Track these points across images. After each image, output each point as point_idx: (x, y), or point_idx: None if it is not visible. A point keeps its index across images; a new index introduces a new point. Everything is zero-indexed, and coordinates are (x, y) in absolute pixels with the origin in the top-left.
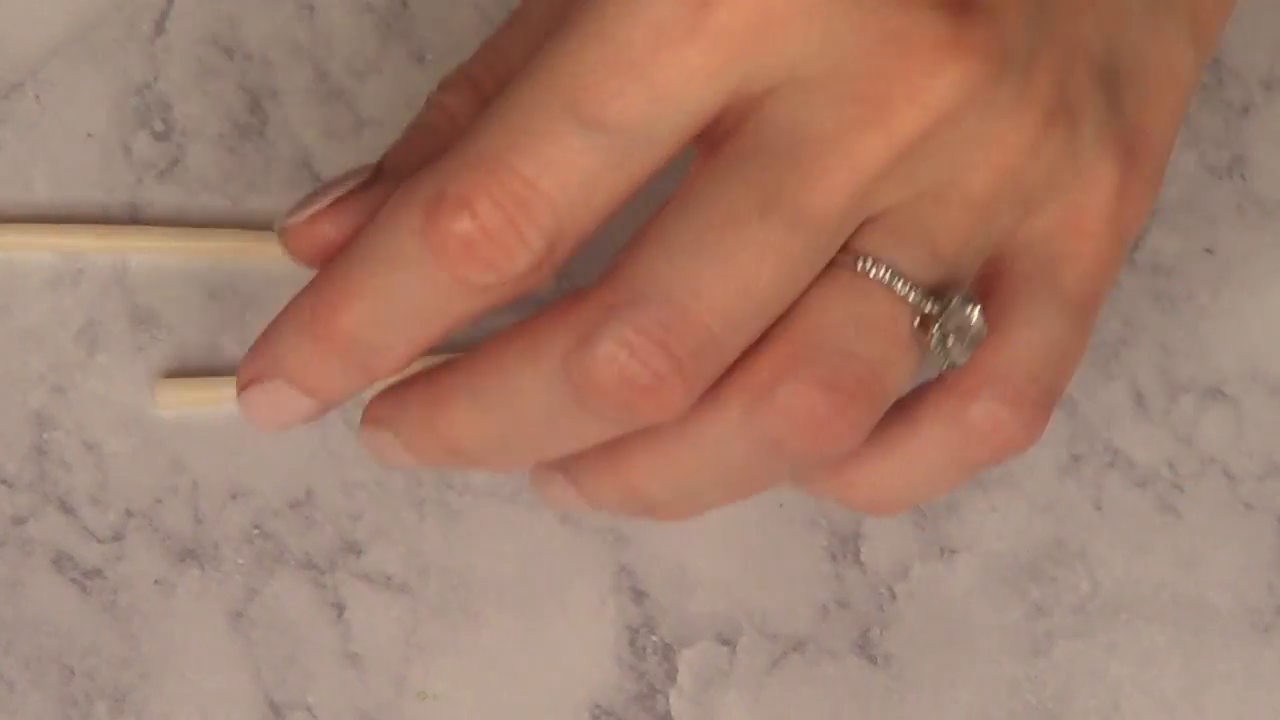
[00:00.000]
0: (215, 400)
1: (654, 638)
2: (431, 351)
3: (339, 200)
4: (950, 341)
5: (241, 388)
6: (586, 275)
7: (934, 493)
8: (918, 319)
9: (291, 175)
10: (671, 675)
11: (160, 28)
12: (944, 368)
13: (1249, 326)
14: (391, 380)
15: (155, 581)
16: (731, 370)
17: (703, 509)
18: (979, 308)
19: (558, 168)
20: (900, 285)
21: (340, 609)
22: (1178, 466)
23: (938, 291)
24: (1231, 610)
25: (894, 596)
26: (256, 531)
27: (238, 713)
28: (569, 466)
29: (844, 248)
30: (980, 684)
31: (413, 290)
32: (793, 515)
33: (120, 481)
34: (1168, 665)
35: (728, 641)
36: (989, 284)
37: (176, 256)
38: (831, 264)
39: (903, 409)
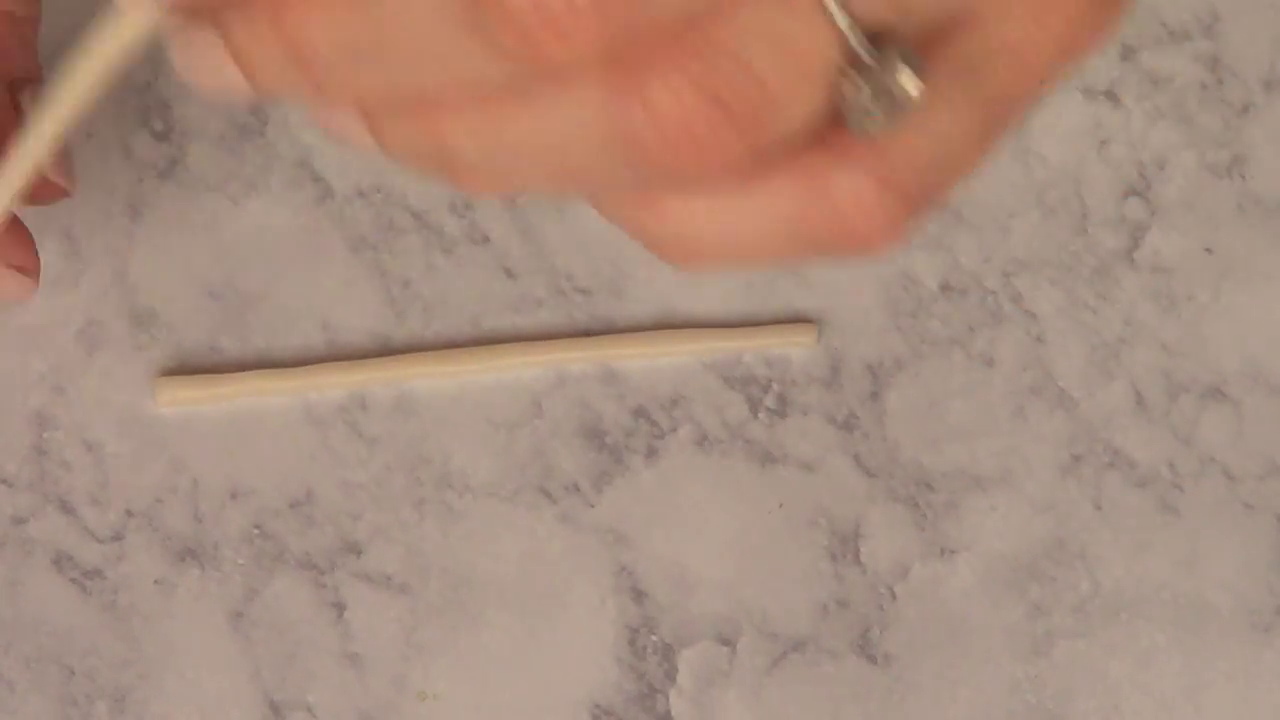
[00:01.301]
0: (215, 398)
1: (654, 638)
2: None
3: None
4: (871, 102)
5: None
6: (585, 276)
7: (752, 256)
8: (842, 60)
9: (291, 175)
10: (671, 675)
11: None
12: (855, 132)
13: (1249, 326)
14: None
15: (155, 581)
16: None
17: (509, 188)
18: (915, 75)
19: None
20: (839, 16)
21: (340, 609)
22: (1178, 466)
23: (878, 38)
24: (1231, 610)
25: (894, 596)
26: (256, 531)
27: (238, 712)
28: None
29: None
30: (980, 683)
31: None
32: (792, 515)
33: (120, 481)
34: (1168, 665)
35: (728, 641)
36: (923, 49)
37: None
38: None
39: None
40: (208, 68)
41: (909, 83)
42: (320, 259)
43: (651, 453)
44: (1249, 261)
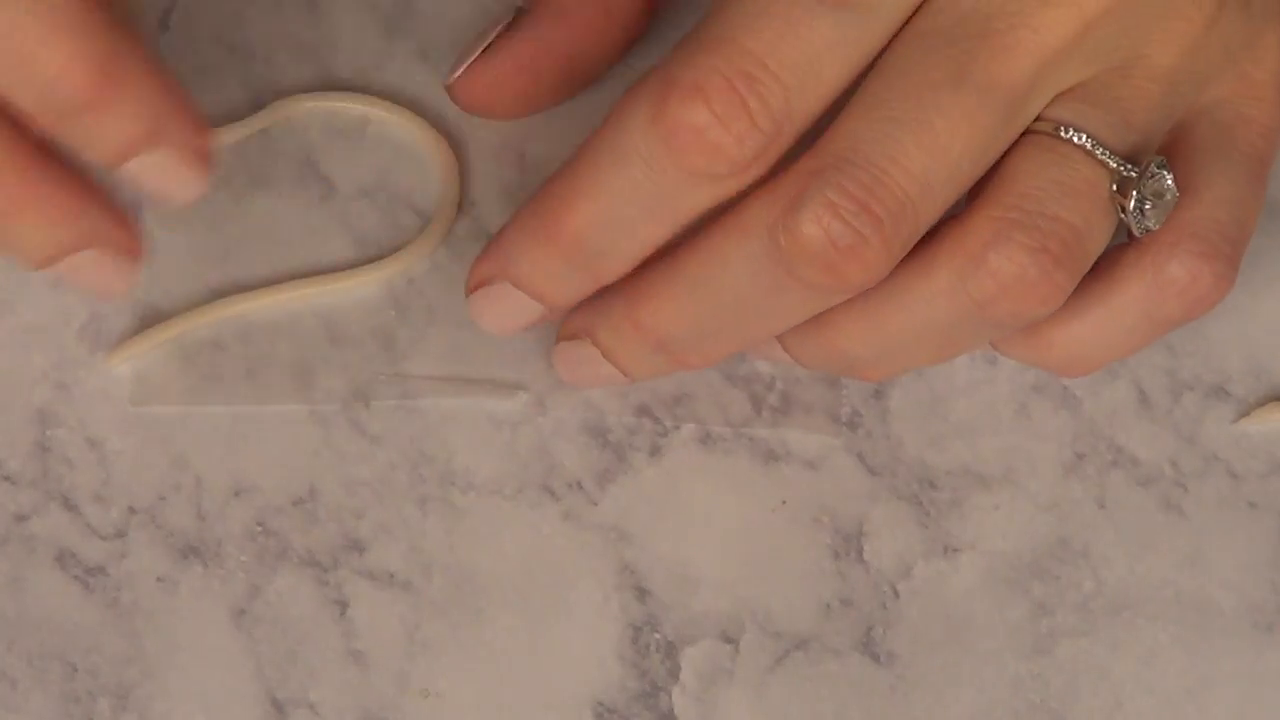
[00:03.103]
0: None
1: (657, 636)
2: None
3: (487, 48)
4: (1147, 206)
5: (470, 290)
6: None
7: (1125, 351)
8: (1115, 184)
9: (295, 173)
10: (674, 673)
11: (164, 25)
12: (1139, 233)
13: (1253, 325)
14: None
15: (158, 579)
16: (941, 237)
17: (902, 370)
18: (1171, 175)
19: (787, 44)
20: (1100, 151)
21: (343, 606)
22: (1181, 465)
23: (1133, 158)
24: (1235, 609)
25: (897, 595)
26: (259, 529)
27: (240, 710)
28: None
29: (1040, 118)
30: (983, 682)
31: (642, 186)
32: (796, 513)
33: (123, 479)
34: (1171, 664)
35: (731, 639)
36: (1170, 150)
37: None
38: (1030, 132)
39: (1099, 270)
40: (588, 371)
41: (1168, 182)
42: (323, 256)
43: (655, 451)
44: (1253, 261)
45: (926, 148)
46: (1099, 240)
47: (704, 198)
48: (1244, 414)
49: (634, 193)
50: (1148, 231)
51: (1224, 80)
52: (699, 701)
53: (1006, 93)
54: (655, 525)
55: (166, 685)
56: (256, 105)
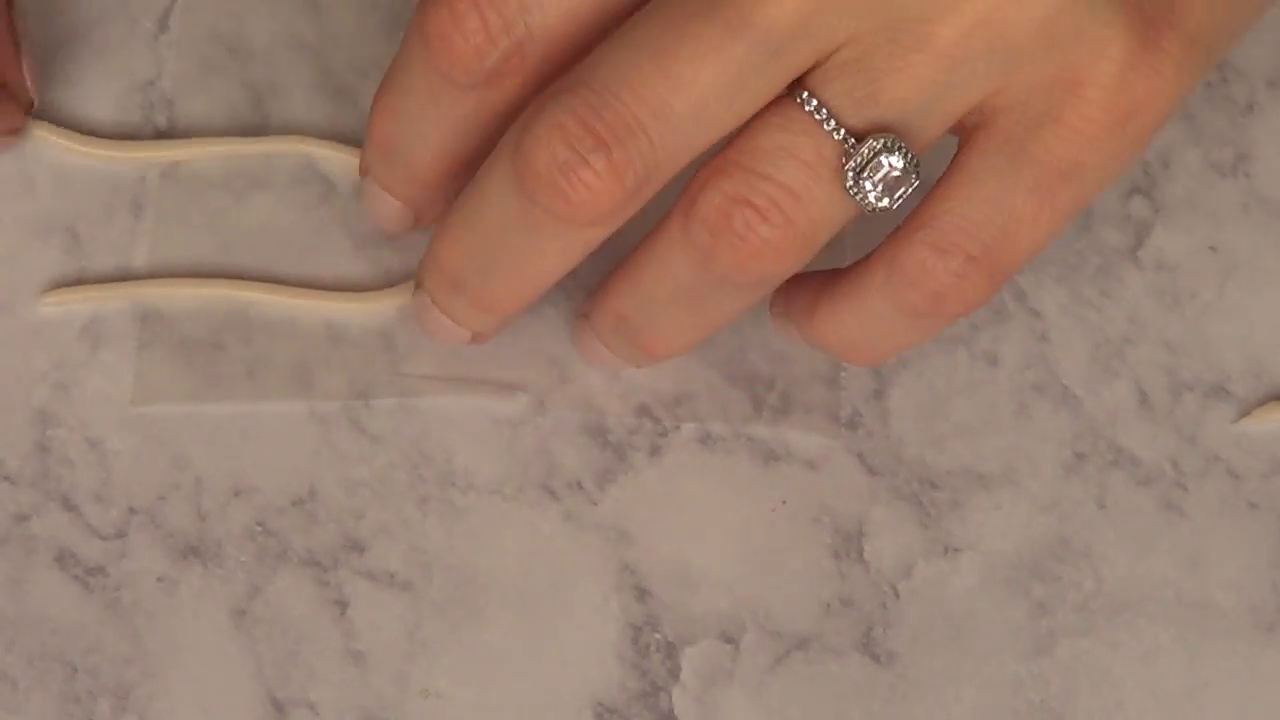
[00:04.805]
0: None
1: (657, 636)
2: None
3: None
4: (866, 184)
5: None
6: (589, 274)
7: (894, 343)
8: (843, 158)
9: (295, 173)
10: (674, 673)
11: (164, 25)
12: (868, 212)
13: (1253, 324)
14: None
15: (158, 579)
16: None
17: (682, 337)
18: (901, 156)
19: None
20: (828, 123)
21: (343, 606)
22: (1181, 465)
23: (868, 134)
24: (1235, 609)
25: (897, 595)
26: (259, 529)
27: (240, 710)
28: (586, 310)
29: (794, 83)
30: (983, 682)
31: (417, 88)
32: (796, 513)
33: (123, 479)
34: (1171, 664)
35: (731, 639)
36: (971, 134)
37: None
38: (780, 96)
39: (861, 259)
40: (428, 321)
41: (892, 162)
42: (323, 256)
43: (655, 451)
44: (1253, 260)
45: (666, 75)
46: (823, 210)
47: (467, 105)
48: (1244, 414)
49: (412, 95)
50: (876, 211)
51: (1041, 66)
52: (699, 701)
53: (762, 33)
54: (655, 525)
55: (166, 685)
56: (257, 105)
